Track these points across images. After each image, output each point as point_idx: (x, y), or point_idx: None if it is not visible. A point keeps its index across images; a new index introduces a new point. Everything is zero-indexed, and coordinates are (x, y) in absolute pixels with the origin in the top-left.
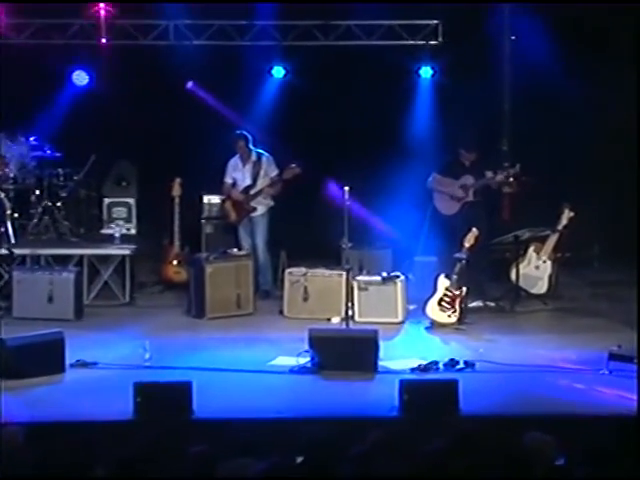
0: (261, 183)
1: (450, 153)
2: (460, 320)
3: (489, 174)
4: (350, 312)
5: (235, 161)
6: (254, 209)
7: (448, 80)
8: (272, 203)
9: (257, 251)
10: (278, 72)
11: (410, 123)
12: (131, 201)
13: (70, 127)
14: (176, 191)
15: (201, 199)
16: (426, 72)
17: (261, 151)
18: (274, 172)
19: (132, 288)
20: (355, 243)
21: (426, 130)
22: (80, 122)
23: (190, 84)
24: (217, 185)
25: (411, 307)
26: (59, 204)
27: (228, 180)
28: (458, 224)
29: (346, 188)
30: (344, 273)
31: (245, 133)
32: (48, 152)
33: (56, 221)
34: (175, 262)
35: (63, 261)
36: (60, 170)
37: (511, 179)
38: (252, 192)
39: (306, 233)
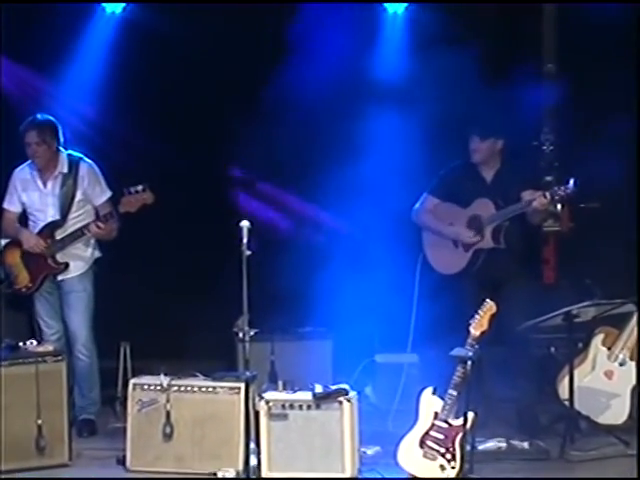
0: (77, 217)
1: (454, 152)
2: (461, 474)
3: (526, 195)
4: (254, 461)
5: (27, 173)
6: (64, 266)
7: (434, 18)
8: (98, 254)
9: (73, 344)
10: (113, 5)
11: (368, 92)
12: None
13: None
14: None
15: None
16: (395, 5)
17: (79, 155)
18: (103, 196)
19: None
20: (264, 327)
21: (397, 106)
22: None
23: None
24: None
25: (370, 451)
26: None
27: (12, 208)
28: (465, 291)
29: (244, 223)
30: (242, 386)
31: (47, 119)
32: None
33: None
34: None
35: None
36: None
37: (559, 207)
38: (60, 235)
39: (167, 308)
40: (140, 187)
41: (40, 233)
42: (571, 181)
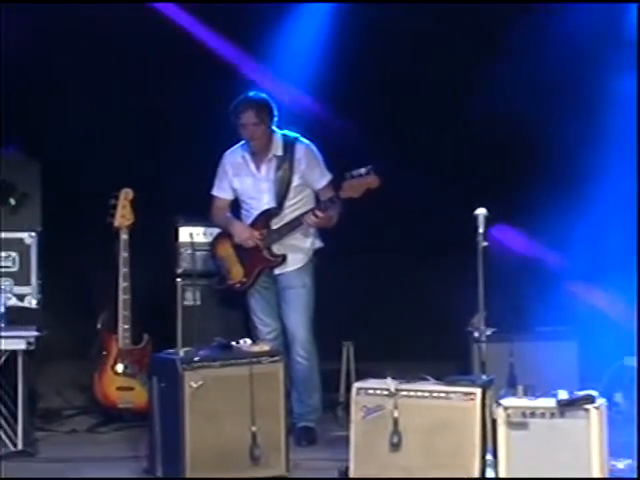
0: (295, 204)
1: None
2: None
3: None
4: (491, 474)
5: (239, 156)
6: (282, 259)
7: None
8: (319, 244)
9: (291, 345)
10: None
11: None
12: (27, 237)
13: None
14: (124, 216)
15: (176, 234)
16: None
17: (295, 135)
18: (323, 180)
19: (29, 420)
20: (502, 327)
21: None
22: None
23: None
24: (205, 206)
25: (620, 464)
26: None
27: (222, 195)
28: None
29: (480, 210)
30: (477, 392)
31: (262, 97)
32: None
33: None
34: (121, 368)
35: None
36: None
37: None
38: (276, 225)
39: (393, 304)
40: (363, 170)
41: (254, 223)
42: None
